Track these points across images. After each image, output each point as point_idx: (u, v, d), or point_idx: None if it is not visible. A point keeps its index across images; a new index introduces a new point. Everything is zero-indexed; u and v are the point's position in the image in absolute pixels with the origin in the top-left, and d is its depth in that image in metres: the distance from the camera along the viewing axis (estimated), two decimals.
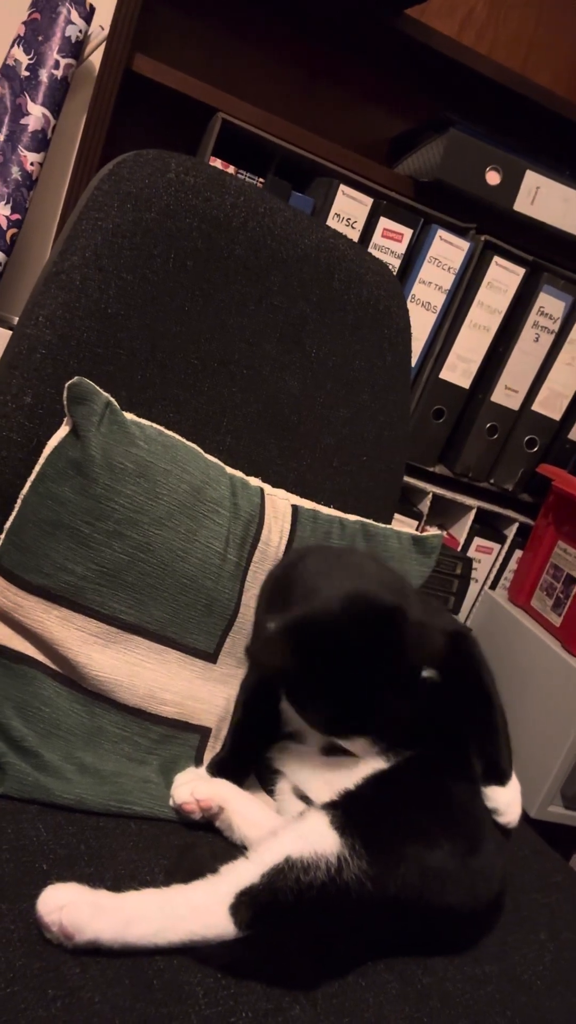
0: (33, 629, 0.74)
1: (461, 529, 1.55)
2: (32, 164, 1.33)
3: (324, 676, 0.67)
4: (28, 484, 0.77)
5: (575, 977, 0.70)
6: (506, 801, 0.72)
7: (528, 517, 1.57)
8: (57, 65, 1.32)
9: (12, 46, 1.32)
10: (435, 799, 0.68)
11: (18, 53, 1.32)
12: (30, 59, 1.31)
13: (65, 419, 0.78)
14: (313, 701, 0.70)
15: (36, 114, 1.32)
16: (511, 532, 1.58)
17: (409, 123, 1.54)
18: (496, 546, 1.58)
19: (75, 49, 1.33)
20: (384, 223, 1.34)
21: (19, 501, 0.77)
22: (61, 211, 1.43)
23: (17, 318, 1.44)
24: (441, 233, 1.35)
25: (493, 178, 1.36)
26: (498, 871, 0.70)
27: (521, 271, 1.40)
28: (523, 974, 0.68)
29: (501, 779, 0.73)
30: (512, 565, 1.60)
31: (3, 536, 0.77)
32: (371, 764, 0.71)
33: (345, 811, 0.63)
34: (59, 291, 0.81)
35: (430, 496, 1.49)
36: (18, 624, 0.74)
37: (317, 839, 0.61)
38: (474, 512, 1.53)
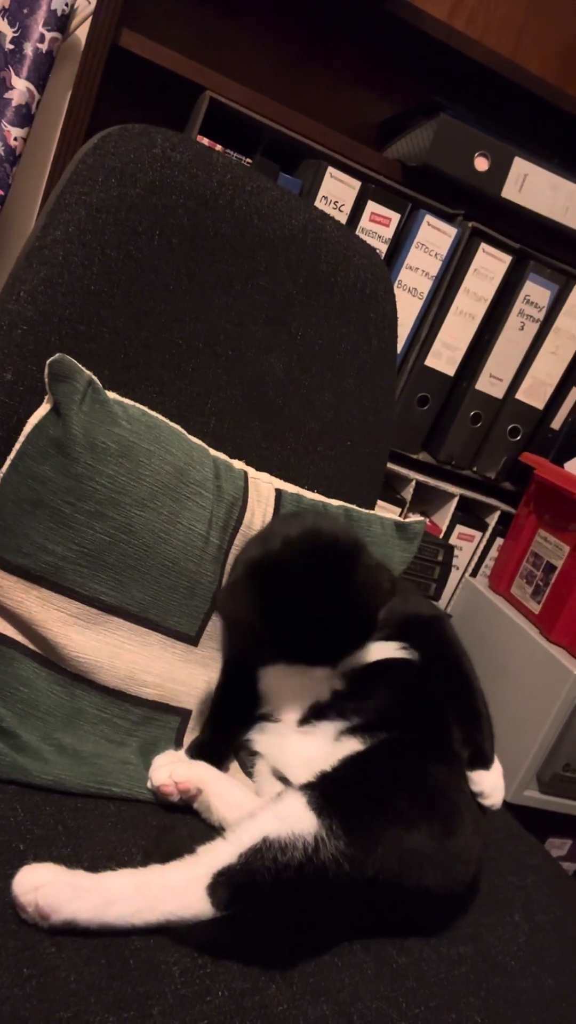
0: (12, 609, 0.73)
1: (443, 516, 1.55)
2: (16, 139, 1.31)
3: (287, 606, 0.71)
4: (8, 462, 0.76)
5: (548, 958, 0.71)
6: (491, 785, 0.73)
7: (510, 505, 1.58)
8: (42, 39, 1.29)
9: None
10: (413, 781, 0.69)
11: (2, 25, 1.29)
12: (15, 32, 1.29)
13: (46, 397, 0.77)
14: (280, 633, 0.72)
15: (20, 88, 1.29)
16: (493, 520, 1.58)
17: (398, 106, 1.53)
18: (478, 534, 1.58)
19: (61, 22, 1.30)
20: (372, 207, 1.34)
21: None
22: (45, 188, 1.40)
23: None
24: (429, 219, 1.35)
25: (481, 164, 1.36)
26: (475, 853, 0.71)
27: (508, 259, 1.40)
28: (497, 955, 0.69)
29: (485, 763, 0.74)
30: (493, 553, 1.61)
31: None
32: (349, 745, 0.71)
33: (323, 792, 0.64)
34: (41, 266, 0.79)
35: (413, 483, 1.49)
36: None
37: (295, 820, 0.61)
38: (456, 500, 1.53)
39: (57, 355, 0.75)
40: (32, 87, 1.30)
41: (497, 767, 0.75)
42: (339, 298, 0.96)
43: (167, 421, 0.82)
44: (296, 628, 0.71)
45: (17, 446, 0.76)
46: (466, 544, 1.58)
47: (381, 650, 0.77)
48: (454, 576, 1.58)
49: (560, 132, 1.52)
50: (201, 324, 0.88)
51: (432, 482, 1.51)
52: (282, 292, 0.93)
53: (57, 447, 0.73)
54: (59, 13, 1.29)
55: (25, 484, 0.74)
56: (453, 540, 1.57)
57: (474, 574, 1.62)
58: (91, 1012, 0.50)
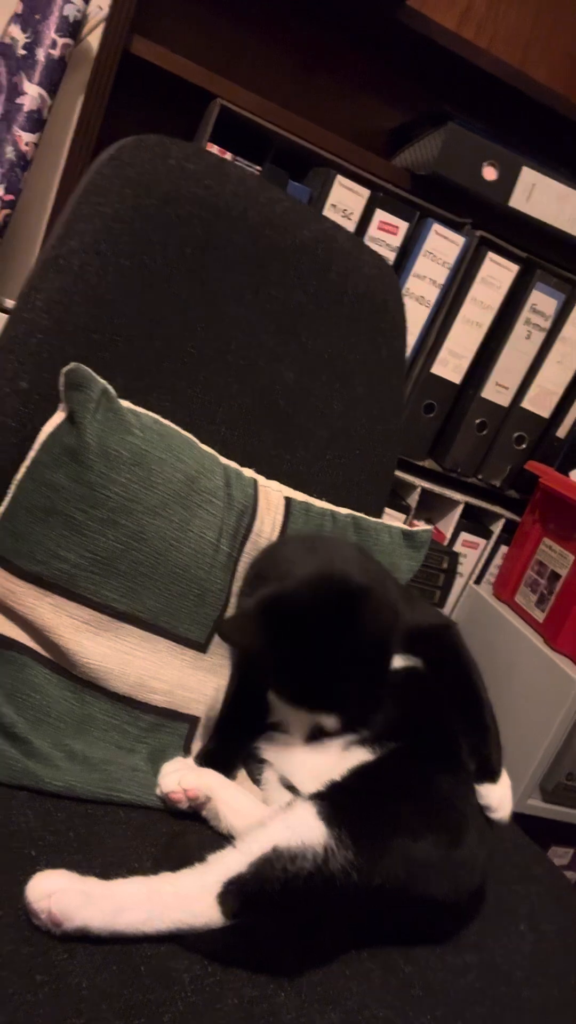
0: (25, 616, 0.73)
1: (448, 524, 1.55)
2: (27, 144, 1.31)
3: (294, 651, 0.70)
4: (22, 470, 0.76)
5: (553, 968, 0.71)
6: (498, 797, 0.74)
7: (514, 513, 1.58)
8: (54, 45, 1.30)
9: (9, 24, 1.30)
10: (420, 791, 0.69)
11: (15, 31, 1.30)
12: (27, 37, 1.30)
13: (60, 405, 0.77)
14: (285, 674, 0.72)
15: (32, 94, 1.30)
16: (497, 528, 1.59)
17: (407, 115, 1.54)
18: (482, 541, 1.58)
19: (73, 29, 1.31)
20: (380, 215, 1.34)
21: (12, 487, 0.76)
22: (55, 193, 1.41)
23: (7, 300, 1.43)
24: (436, 227, 1.35)
25: (490, 173, 1.36)
26: (480, 863, 0.71)
27: (515, 268, 1.40)
28: (503, 964, 0.69)
29: (493, 777, 0.74)
30: (497, 560, 1.61)
31: None
32: (357, 755, 0.71)
33: (332, 802, 0.64)
34: (57, 276, 0.80)
35: (418, 490, 1.49)
36: (10, 610, 0.74)
37: (304, 829, 0.62)
38: (461, 507, 1.53)
39: (72, 364, 0.75)
40: (44, 93, 1.31)
41: (505, 780, 0.75)
42: (349, 308, 0.97)
43: (179, 429, 0.83)
44: (305, 674, 0.71)
45: (31, 454, 0.76)
46: (470, 551, 1.59)
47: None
48: (458, 583, 1.59)
49: (568, 142, 1.53)
50: (213, 333, 0.89)
51: (437, 489, 1.51)
52: (293, 302, 0.93)
53: (71, 455, 0.74)
54: (71, 19, 1.30)
55: (39, 492, 0.74)
56: (457, 547, 1.57)
57: (478, 582, 1.63)
58: (103, 1019, 0.51)
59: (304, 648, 0.70)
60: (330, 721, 0.73)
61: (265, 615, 0.71)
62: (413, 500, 1.50)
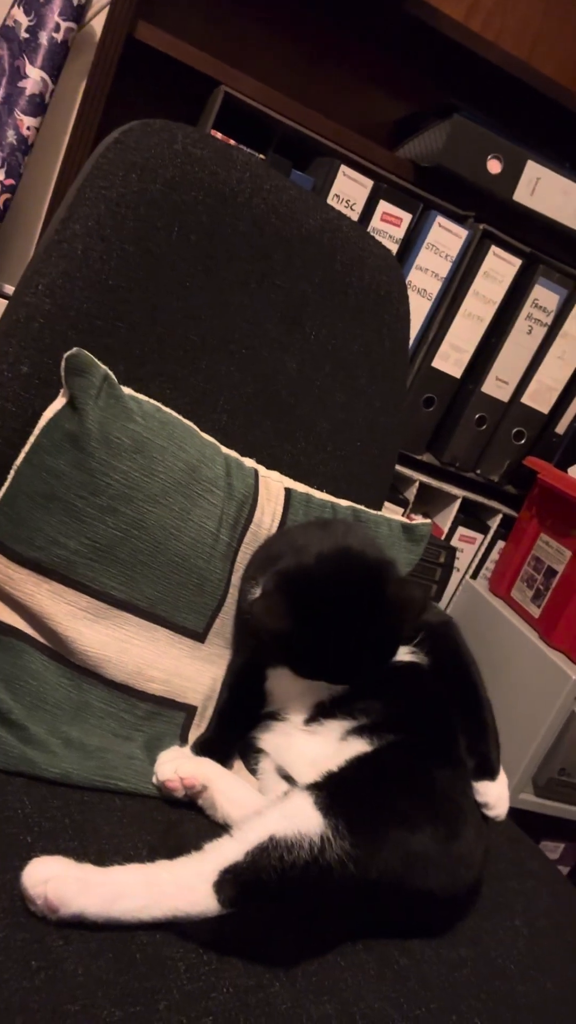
0: (23, 602, 0.73)
1: (445, 518, 1.55)
2: (28, 128, 1.30)
3: (315, 622, 0.70)
4: (22, 455, 0.76)
5: (548, 963, 0.72)
6: (496, 795, 0.74)
7: (512, 509, 1.58)
8: (57, 28, 1.28)
9: (12, 7, 1.29)
10: (418, 784, 0.69)
11: (18, 14, 1.28)
12: (30, 21, 1.28)
13: (61, 391, 0.76)
14: (305, 647, 0.72)
15: (34, 77, 1.29)
16: (494, 523, 1.59)
17: (412, 106, 1.53)
18: (479, 536, 1.59)
19: (76, 13, 1.30)
20: (383, 207, 1.34)
21: (12, 472, 0.76)
22: (57, 177, 1.40)
23: (7, 284, 1.42)
24: (440, 220, 1.35)
25: (494, 167, 1.36)
26: (477, 857, 0.71)
27: (517, 262, 1.40)
28: (498, 959, 0.69)
29: (491, 774, 0.74)
30: (494, 555, 1.61)
31: None
32: (355, 746, 0.71)
33: (329, 792, 0.64)
34: (60, 260, 0.79)
35: (417, 484, 1.49)
36: (8, 597, 0.73)
37: (301, 819, 0.61)
38: (459, 502, 1.53)
39: (74, 349, 0.75)
40: (46, 77, 1.29)
41: (502, 778, 0.75)
42: (354, 299, 0.96)
43: (180, 418, 0.82)
44: (327, 645, 0.71)
45: (32, 439, 0.76)
46: (467, 546, 1.59)
47: None
48: (454, 578, 1.59)
49: (574, 137, 1.52)
50: (216, 321, 0.88)
51: (435, 483, 1.51)
52: (297, 291, 0.93)
53: (72, 441, 0.73)
54: (75, 3, 1.29)
55: (39, 477, 0.74)
56: (454, 542, 1.57)
57: (474, 576, 1.63)
58: (98, 1006, 0.51)
59: (330, 619, 0.71)
60: (340, 691, 0.74)
61: (289, 587, 0.71)
62: (411, 494, 1.49)
